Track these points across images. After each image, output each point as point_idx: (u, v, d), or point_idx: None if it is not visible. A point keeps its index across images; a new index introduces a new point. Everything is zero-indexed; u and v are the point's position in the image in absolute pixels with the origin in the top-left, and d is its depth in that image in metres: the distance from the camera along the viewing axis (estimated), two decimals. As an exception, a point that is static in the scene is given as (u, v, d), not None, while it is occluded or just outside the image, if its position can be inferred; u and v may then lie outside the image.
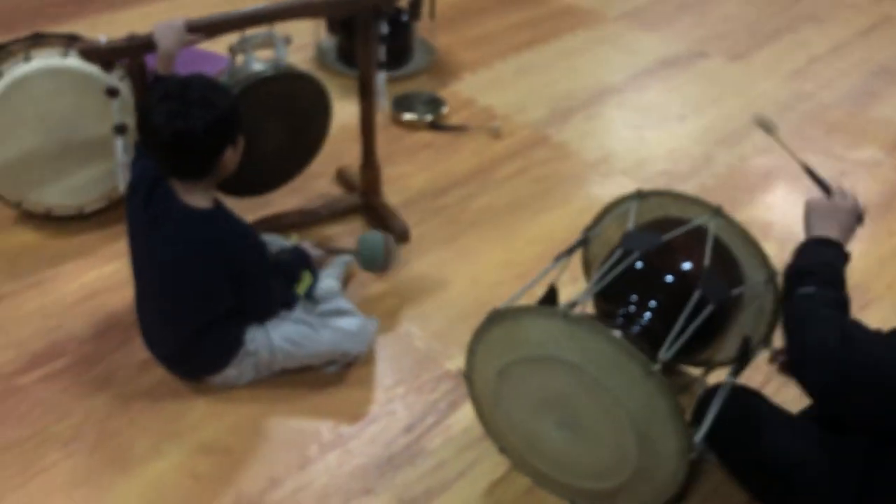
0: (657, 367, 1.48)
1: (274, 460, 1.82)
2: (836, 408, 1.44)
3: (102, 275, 2.28)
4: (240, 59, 2.12)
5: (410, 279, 2.31)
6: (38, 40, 2.24)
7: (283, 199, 2.49)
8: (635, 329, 1.76)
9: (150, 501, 1.73)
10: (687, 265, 1.80)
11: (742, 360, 1.76)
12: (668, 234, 1.77)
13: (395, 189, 2.64)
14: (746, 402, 1.72)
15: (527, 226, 2.55)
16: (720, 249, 1.83)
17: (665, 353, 1.53)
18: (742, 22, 3.91)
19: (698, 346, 1.87)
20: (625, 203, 1.93)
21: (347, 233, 2.46)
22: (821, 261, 1.52)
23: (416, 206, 2.59)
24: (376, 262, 2.14)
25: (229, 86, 2.07)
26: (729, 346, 1.91)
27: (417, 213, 2.55)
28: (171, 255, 1.81)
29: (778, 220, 2.62)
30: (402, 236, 2.43)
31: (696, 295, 1.66)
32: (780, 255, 2.45)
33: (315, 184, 2.61)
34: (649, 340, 1.71)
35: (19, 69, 2.18)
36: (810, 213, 1.61)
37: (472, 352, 1.71)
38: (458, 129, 2.97)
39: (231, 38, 2.10)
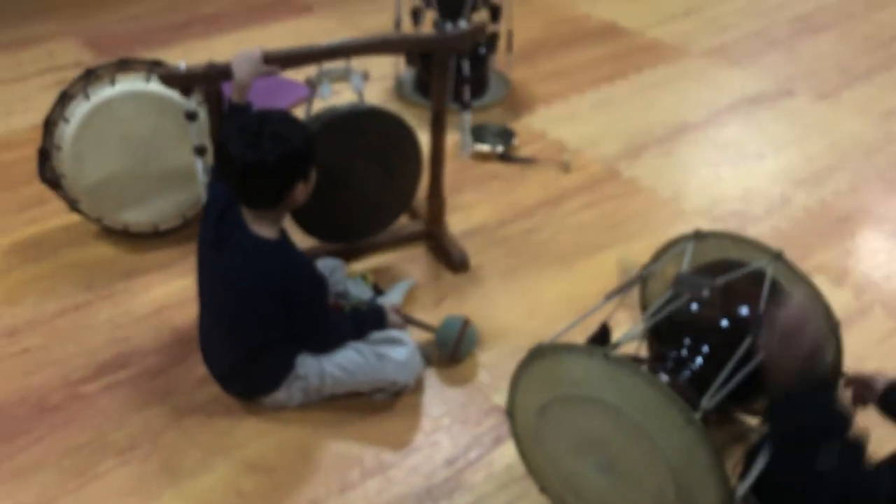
0: (698, 415, 1.43)
1: (316, 483, 1.84)
2: None
3: (171, 290, 2.36)
4: (318, 91, 2.17)
5: (466, 310, 2.30)
6: (123, 66, 2.36)
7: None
8: (685, 374, 1.72)
9: (191, 513, 1.78)
10: (743, 310, 1.75)
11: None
12: (722, 278, 1.72)
13: (460, 218, 2.65)
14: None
15: (590, 261, 2.52)
16: (779, 296, 1.77)
17: (708, 402, 1.48)
18: (834, 60, 3.79)
19: (753, 394, 1.80)
20: (682, 243, 1.89)
21: (408, 260, 2.48)
22: (819, 415, 1.33)
23: (479, 236, 2.60)
24: (447, 346, 2.13)
25: (308, 122, 2.13)
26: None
27: (479, 244, 2.55)
28: (231, 281, 1.86)
29: (854, 266, 2.51)
30: (461, 265, 2.44)
31: (746, 342, 1.60)
32: (854, 303, 2.36)
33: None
34: (699, 387, 1.66)
35: (105, 92, 2.31)
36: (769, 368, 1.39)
37: (514, 387, 1.70)
38: (528, 162, 2.97)
39: (309, 70, 2.16)
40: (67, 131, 2.30)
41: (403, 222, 2.60)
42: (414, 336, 2.12)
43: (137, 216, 2.47)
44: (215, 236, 1.88)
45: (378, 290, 2.30)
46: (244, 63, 1.99)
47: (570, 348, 1.57)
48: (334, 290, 2.21)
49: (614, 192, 2.85)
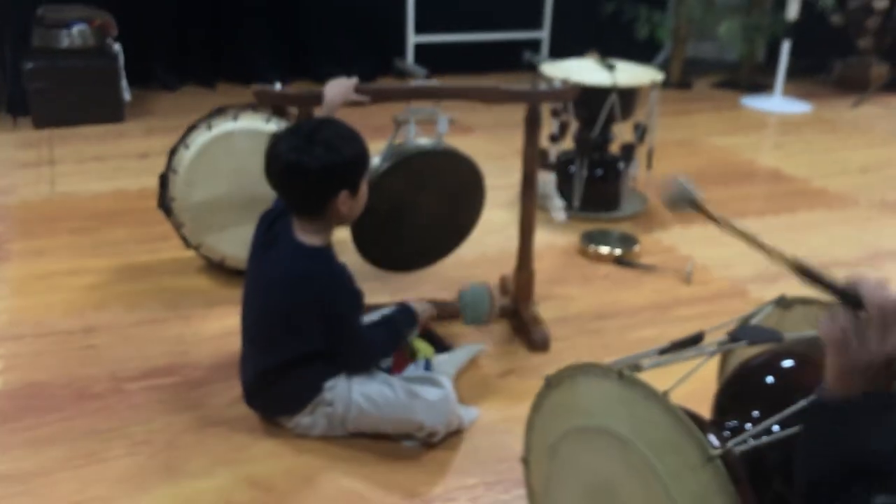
0: (717, 451, 1.16)
1: (309, 508, 1.67)
2: None
3: (245, 322, 2.35)
4: (403, 128, 2.19)
5: (531, 384, 2.08)
6: (249, 107, 2.50)
7: (436, 292, 2.44)
8: (741, 446, 1.42)
9: (173, 511, 1.65)
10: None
11: None
12: (794, 340, 1.44)
13: (555, 305, 2.48)
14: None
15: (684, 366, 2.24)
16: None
17: (734, 443, 1.20)
18: None
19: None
20: (764, 307, 1.62)
21: (487, 330, 2.33)
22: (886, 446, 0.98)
23: (570, 324, 2.40)
24: (480, 317, 2.10)
25: (388, 156, 2.15)
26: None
27: (568, 331, 2.36)
28: (269, 283, 1.83)
29: None
30: (540, 345, 2.25)
31: (804, 401, 1.31)
32: None
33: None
34: (754, 464, 1.37)
35: (226, 125, 2.44)
36: (845, 362, 1.01)
37: (530, 427, 1.49)
38: (646, 268, 2.77)
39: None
40: (186, 156, 2.44)
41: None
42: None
43: (234, 251, 2.52)
44: (263, 240, 1.87)
45: (442, 345, 2.15)
46: (336, 86, 2.04)
47: (586, 368, 1.36)
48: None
49: (738, 308, 2.54)
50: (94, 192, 3.28)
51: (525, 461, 1.50)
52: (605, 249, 2.84)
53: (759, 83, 5.36)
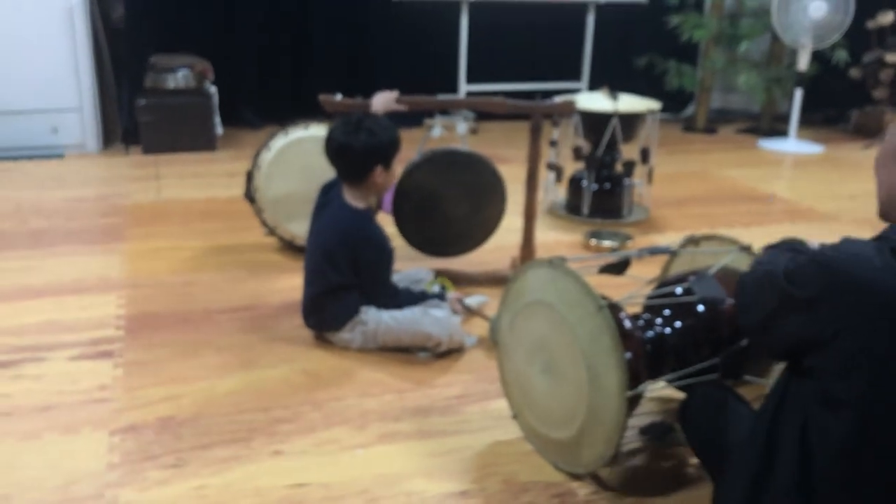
0: (605, 303, 1.74)
1: (343, 387, 2.29)
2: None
3: (307, 283, 3.00)
4: (431, 131, 2.87)
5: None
6: (320, 118, 3.21)
7: (461, 266, 3.06)
8: (649, 334, 1.99)
9: (247, 385, 2.29)
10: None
11: (732, 365, 1.87)
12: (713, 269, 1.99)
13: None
14: (715, 392, 1.81)
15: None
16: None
17: (623, 299, 1.78)
18: None
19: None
20: (733, 249, 2.16)
21: (493, 295, 2.91)
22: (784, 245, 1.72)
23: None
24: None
25: (420, 152, 2.81)
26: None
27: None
28: (320, 233, 2.49)
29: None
30: (535, 301, 2.84)
31: (685, 284, 1.89)
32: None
33: (491, 266, 3.15)
34: (657, 351, 1.94)
35: (298, 133, 3.15)
36: None
37: (498, 316, 2.07)
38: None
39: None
40: (267, 157, 3.15)
41: (501, 266, 3.08)
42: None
43: (302, 232, 3.19)
44: (322, 202, 2.54)
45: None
46: (382, 97, 2.72)
47: (531, 263, 1.96)
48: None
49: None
50: (191, 198, 4.03)
51: (496, 342, 2.09)
52: (604, 242, 3.42)
53: (779, 130, 5.89)
